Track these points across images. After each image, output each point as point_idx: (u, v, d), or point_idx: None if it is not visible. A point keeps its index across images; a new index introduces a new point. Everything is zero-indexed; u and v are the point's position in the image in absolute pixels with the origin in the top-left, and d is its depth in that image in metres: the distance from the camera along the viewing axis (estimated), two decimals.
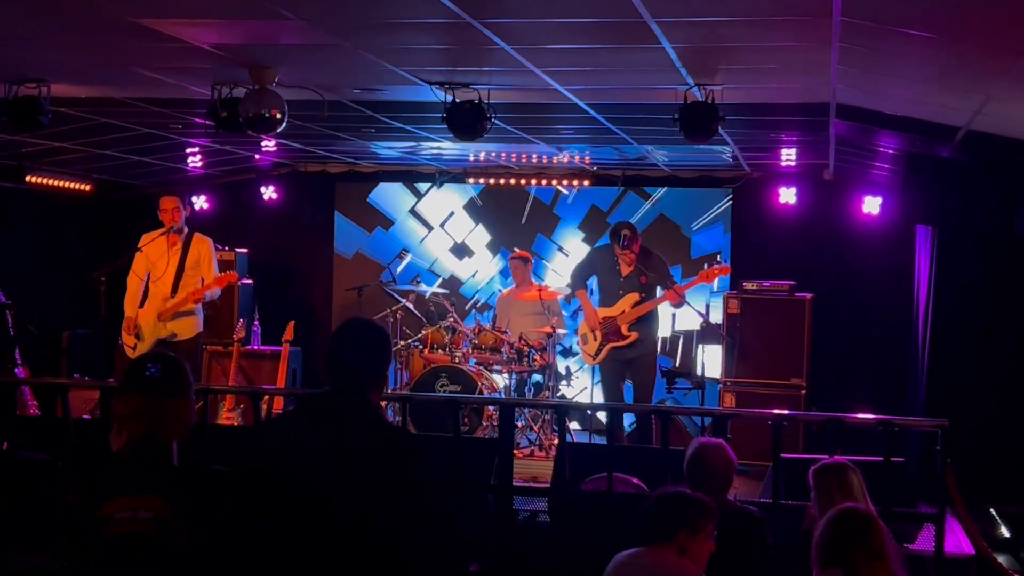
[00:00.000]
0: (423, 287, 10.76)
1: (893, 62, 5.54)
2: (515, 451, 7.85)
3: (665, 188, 11.34)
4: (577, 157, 10.59)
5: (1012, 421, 8.03)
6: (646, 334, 8.76)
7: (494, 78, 6.58)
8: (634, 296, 8.72)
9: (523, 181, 11.57)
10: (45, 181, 10.69)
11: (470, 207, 11.93)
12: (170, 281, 8.38)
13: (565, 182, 11.49)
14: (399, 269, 10.90)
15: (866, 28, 4.76)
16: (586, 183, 11.48)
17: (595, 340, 8.83)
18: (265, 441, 3.38)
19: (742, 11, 4.90)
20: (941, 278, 8.57)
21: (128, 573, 3.13)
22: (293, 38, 5.70)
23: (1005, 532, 6.98)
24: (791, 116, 7.65)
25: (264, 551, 3.17)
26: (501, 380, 9.70)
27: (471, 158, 10.91)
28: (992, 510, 7.16)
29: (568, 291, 9.62)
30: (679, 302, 8.71)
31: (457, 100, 6.77)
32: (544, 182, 11.53)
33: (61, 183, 10.93)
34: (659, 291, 8.81)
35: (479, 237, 11.93)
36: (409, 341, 10.23)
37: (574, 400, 10.92)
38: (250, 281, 11.16)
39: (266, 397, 8.06)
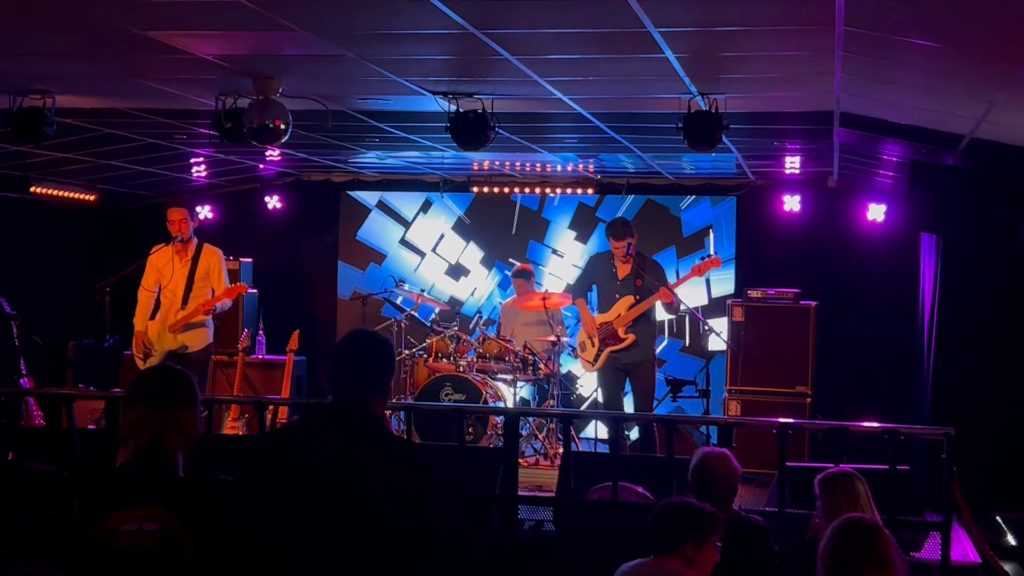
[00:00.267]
0: (427, 297, 10.76)
1: (896, 70, 5.54)
2: (520, 460, 7.86)
3: None
4: (581, 166, 10.61)
5: (1018, 429, 8.02)
6: (643, 338, 8.75)
7: (498, 88, 6.59)
8: (629, 299, 8.72)
9: (527, 190, 11.58)
10: (50, 191, 10.71)
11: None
12: (180, 292, 8.35)
13: (569, 190, 11.50)
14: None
15: (869, 37, 4.76)
16: (590, 191, 11.49)
17: (593, 346, 8.84)
18: (268, 452, 3.38)
19: (745, 20, 4.90)
20: (946, 286, 8.56)
21: None
22: (297, 49, 5.71)
23: (1011, 540, 6.96)
24: (795, 125, 7.65)
25: (269, 562, 3.16)
26: (507, 389, 9.68)
27: (475, 167, 10.93)
28: (998, 518, 7.14)
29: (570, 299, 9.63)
30: (676, 305, 8.72)
31: (461, 110, 6.78)
32: (548, 191, 11.54)
33: (66, 193, 10.95)
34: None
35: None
36: (414, 350, 10.23)
37: (583, 406, 10.92)
38: (255, 290, 11.16)
39: (271, 407, 8.06)
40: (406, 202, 12.05)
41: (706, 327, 9.63)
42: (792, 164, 9.94)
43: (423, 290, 10.95)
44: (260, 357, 10.53)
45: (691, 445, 9.38)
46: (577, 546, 6.00)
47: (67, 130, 7.90)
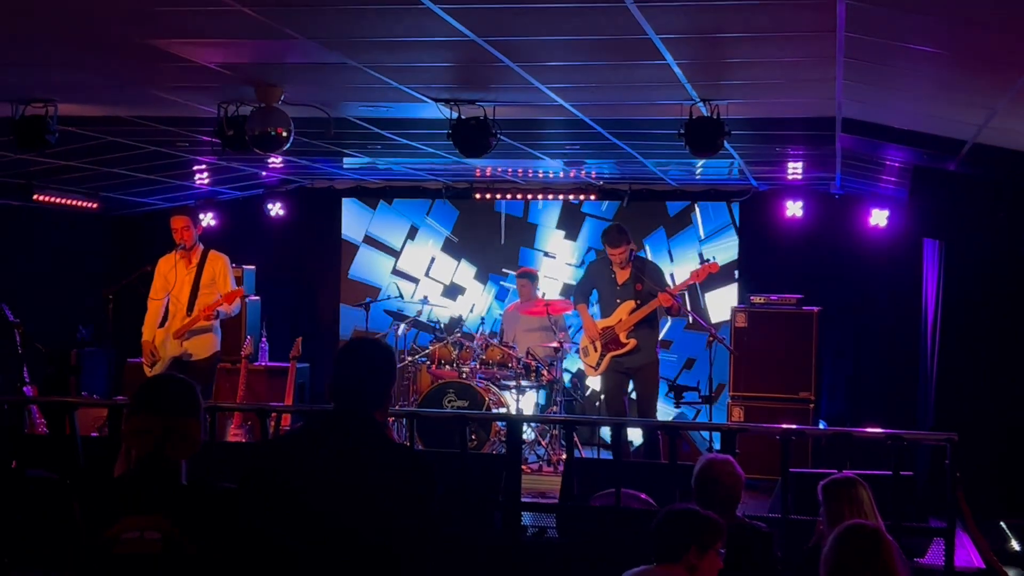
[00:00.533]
0: (429, 306, 10.77)
1: (898, 77, 5.54)
2: (523, 466, 7.85)
3: None
4: (584, 172, 10.61)
5: (1021, 433, 8.01)
6: (645, 342, 8.75)
7: (500, 95, 6.59)
8: (630, 304, 8.72)
9: (529, 196, 11.59)
10: (53, 199, 10.72)
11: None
12: (185, 299, 8.34)
13: (572, 196, 11.51)
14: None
15: (871, 43, 4.76)
16: (592, 197, 11.49)
17: (595, 351, 8.84)
18: (270, 455, 3.39)
19: (746, 27, 4.91)
20: (949, 291, 8.56)
21: None
22: (299, 57, 5.72)
23: (1015, 546, 6.95)
24: (797, 131, 7.66)
25: (270, 564, 3.17)
26: (510, 396, 9.68)
27: (477, 173, 10.93)
28: (1002, 524, 7.13)
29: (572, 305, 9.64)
30: (677, 308, 8.73)
31: (463, 117, 6.78)
32: (551, 197, 11.55)
33: (68, 201, 10.96)
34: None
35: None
36: (416, 357, 10.22)
37: (585, 412, 10.91)
38: (257, 298, 11.16)
39: (273, 414, 8.05)
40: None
41: (711, 332, 9.63)
42: (795, 170, 9.94)
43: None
44: (263, 364, 10.53)
45: (694, 451, 9.38)
46: (580, 553, 5.99)
47: (70, 138, 7.90)
